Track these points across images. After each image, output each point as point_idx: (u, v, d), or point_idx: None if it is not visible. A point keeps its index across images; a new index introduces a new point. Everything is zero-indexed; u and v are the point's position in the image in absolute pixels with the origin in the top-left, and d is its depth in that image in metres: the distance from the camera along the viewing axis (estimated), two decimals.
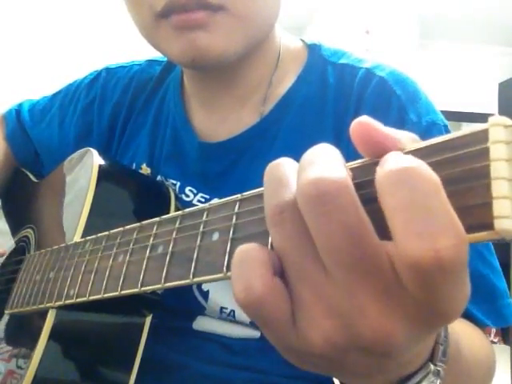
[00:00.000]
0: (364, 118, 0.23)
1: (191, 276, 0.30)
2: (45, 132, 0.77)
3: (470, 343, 0.41)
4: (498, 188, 0.19)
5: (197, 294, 0.58)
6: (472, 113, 4.11)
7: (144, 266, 0.35)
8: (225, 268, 0.28)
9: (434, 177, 0.20)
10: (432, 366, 0.29)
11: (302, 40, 0.64)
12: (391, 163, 0.20)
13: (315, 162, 0.22)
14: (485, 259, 0.51)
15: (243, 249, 0.24)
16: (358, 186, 0.22)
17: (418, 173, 0.20)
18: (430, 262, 0.19)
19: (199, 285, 0.58)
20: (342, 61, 0.60)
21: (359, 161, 0.24)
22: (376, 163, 0.22)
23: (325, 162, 0.22)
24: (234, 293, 0.23)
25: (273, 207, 0.24)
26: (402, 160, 0.20)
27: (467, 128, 0.20)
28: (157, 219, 0.37)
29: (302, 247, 0.23)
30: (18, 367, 0.50)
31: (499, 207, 0.19)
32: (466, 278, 0.21)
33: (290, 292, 0.24)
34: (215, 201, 0.55)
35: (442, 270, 0.19)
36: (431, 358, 0.30)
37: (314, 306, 0.23)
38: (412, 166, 0.20)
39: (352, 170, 0.24)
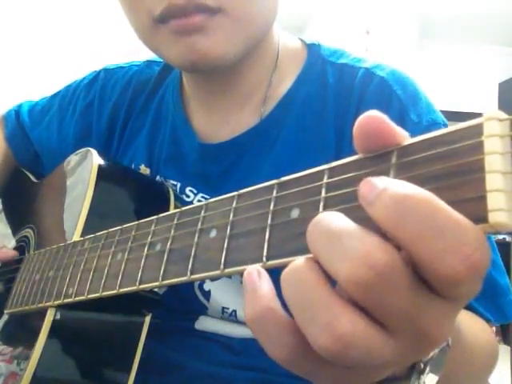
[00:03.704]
0: (372, 112, 0.23)
1: (189, 273, 0.30)
2: (44, 133, 0.77)
3: (469, 324, 0.41)
4: (492, 181, 0.19)
5: (198, 293, 0.58)
6: (472, 113, 4.10)
7: (142, 264, 0.35)
8: (222, 265, 0.28)
9: (426, 195, 0.20)
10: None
11: (300, 39, 0.64)
12: (384, 200, 0.20)
13: (346, 249, 0.21)
14: None
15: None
16: (349, 182, 0.22)
17: (414, 199, 0.20)
18: (466, 271, 0.19)
19: (201, 284, 0.58)
20: (342, 60, 0.60)
21: (351, 157, 0.24)
22: (368, 158, 0.22)
23: (355, 247, 0.21)
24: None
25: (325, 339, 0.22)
26: (393, 193, 0.20)
27: (462, 123, 0.20)
28: (154, 217, 0.37)
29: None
30: (20, 369, 0.50)
31: (493, 200, 0.19)
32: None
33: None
34: None
35: (477, 272, 0.19)
36: None
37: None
38: (405, 195, 0.20)
39: (345, 165, 0.24)
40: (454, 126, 0.21)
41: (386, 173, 0.22)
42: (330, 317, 0.21)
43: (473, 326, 0.45)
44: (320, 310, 0.21)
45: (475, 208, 0.19)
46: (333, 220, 0.22)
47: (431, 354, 0.29)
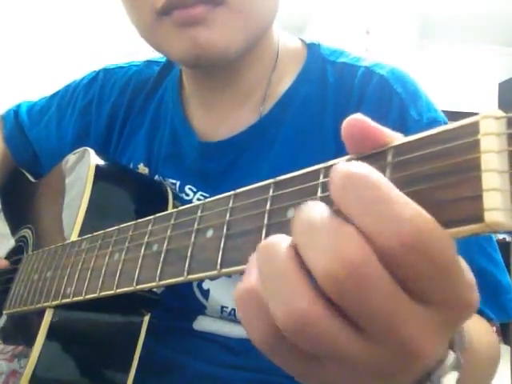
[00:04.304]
0: (355, 115, 0.24)
1: (185, 273, 0.30)
2: (43, 133, 0.77)
3: (475, 328, 0.41)
4: (488, 180, 0.19)
5: (197, 293, 0.58)
6: (472, 113, 4.06)
7: (139, 264, 0.35)
8: (219, 265, 0.28)
9: (366, 171, 0.21)
10: (453, 354, 0.29)
11: (300, 39, 0.64)
12: (333, 179, 0.22)
13: (320, 243, 0.21)
14: (488, 254, 0.51)
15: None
16: None
17: (354, 176, 0.21)
18: (400, 248, 0.20)
19: (200, 283, 0.57)
20: (341, 59, 0.60)
21: (346, 157, 0.25)
22: (363, 158, 0.23)
23: (331, 241, 0.21)
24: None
25: (287, 316, 0.22)
26: (338, 171, 0.21)
27: (458, 121, 0.20)
28: (152, 217, 0.37)
29: (336, 340, 0.22)
30: (20, 366, 0.50)
31: (489, 199, 0.19)
32: (455, 263, 0.21)
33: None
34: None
35: (415, 250, 0.20)
36: (451, 346, 0.29)
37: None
38: (346, 171, 0.21)
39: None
40: (450, 125, 0.21)
41: (381, 171, 0.22)
42: (291, 292, 0.21)
43: (476, 329, 0.44)
44: (284, 284, 0.22)
45: (471, 207, 0.19)
46: (313, 209, 0.22)
47: (442, 372, 0.29)
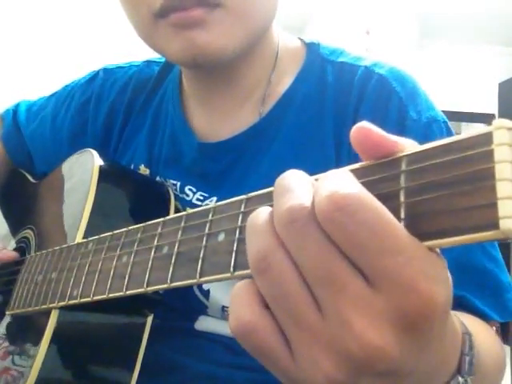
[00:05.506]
0: (362, 123, 0.24)
1: (198, 276, 0.30)
2: (38, 129, 0.77)
3: (485, 346, 0.40)
4: (502, 189, 0.19)
5: (198, 293, 0.58)
6: (472, 113, 4.11)
7: (149, 266, 0.35)
8: (232, 268, 0.28)
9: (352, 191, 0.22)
10: (460, 379, 0.29)
11: (300, 39, 0.64)
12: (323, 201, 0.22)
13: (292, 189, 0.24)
14: (489, 254, 0.51)
15: (236, 285, 0.26)
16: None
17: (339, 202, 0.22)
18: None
19: (200, 284, 0.58)
20: (341, 59, 0.60)
21: (360, 163, 0.25)
22: (377, 165, 0.23)
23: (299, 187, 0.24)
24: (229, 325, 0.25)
25: (255, 254, 0.24)
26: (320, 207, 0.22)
27: (471, 130, 0.21)
28: (161, 219, 0.37)
29: (294, 291, 0.23)
30: (14, 364, 0.50)
31: (504, 208, 0.19)
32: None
33: (284, 331, 0.24)
34: (214, 199, 0.55)
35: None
36: (459, 370, 0.29)
37: (313, 347, 0.23)
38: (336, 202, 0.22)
39: (355, 171, 0.24)
40: (464, 134, 0.21)
41: (396, 179, 0.23)
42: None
43: (486, 343, 0.42)
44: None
45: (486, 214, 0.20)
46: (292, 175, 0.25)
47: None
